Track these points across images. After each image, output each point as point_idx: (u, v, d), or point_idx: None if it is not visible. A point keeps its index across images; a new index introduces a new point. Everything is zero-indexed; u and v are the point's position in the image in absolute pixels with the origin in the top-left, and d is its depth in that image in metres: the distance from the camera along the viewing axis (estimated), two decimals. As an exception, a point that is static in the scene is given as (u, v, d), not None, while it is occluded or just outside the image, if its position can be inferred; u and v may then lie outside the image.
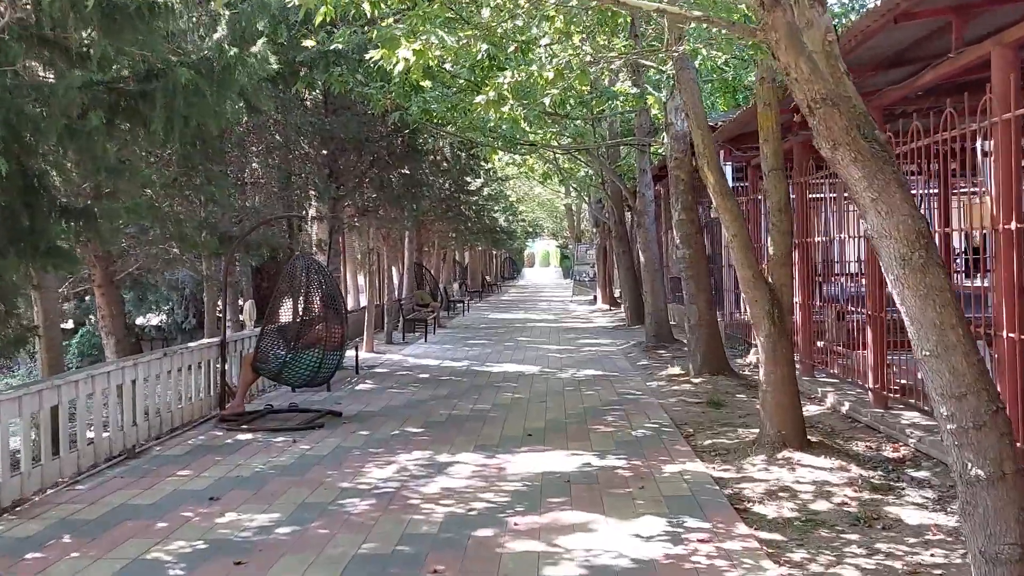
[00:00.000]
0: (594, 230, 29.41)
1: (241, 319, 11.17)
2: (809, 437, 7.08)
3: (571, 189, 30.20)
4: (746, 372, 11.49)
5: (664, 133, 11.31)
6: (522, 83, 6.14)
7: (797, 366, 10.28)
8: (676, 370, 11.67)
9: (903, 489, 5.87)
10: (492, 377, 12.21)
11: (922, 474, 6.19)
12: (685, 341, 15.21)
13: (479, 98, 5.87)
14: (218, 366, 9.20)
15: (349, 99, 12.14)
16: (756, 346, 12.84)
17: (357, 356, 12.93)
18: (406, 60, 6.11)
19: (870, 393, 8.25)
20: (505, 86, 5.73)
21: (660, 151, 16.42)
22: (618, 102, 10.81)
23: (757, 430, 7.86)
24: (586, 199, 28.54)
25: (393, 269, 23.64)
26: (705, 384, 10.51)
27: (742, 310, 13.72)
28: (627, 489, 6.10)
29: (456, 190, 22.34)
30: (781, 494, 5.85)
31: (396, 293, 22.20)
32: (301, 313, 9.01)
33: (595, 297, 30.81)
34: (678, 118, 11.09)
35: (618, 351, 15.16)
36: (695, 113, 7.13)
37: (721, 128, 12.83)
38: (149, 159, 8.86)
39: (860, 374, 8.70)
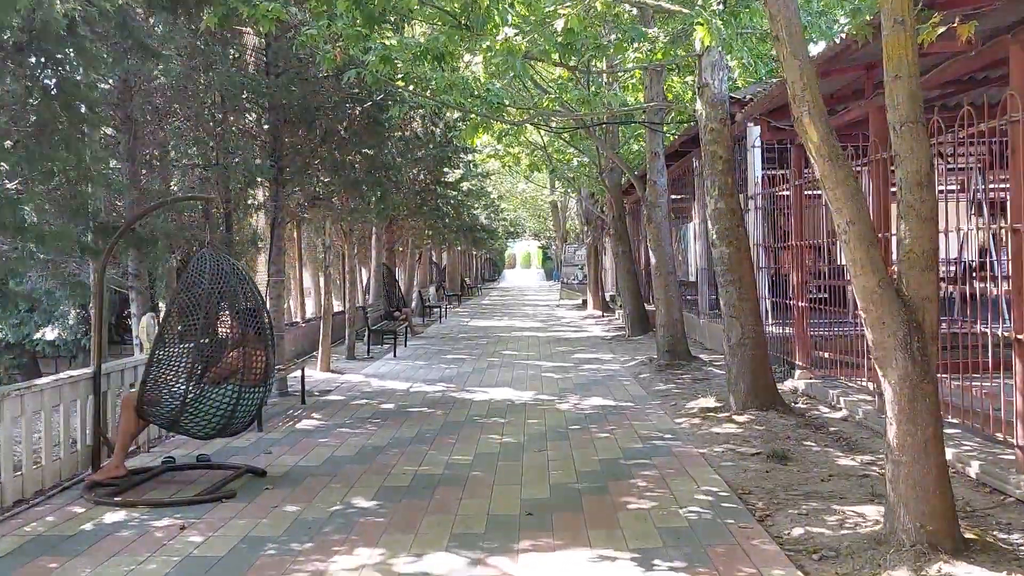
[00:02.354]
0: (584, 228, 26.90)
1: (138, 339, 8.54)
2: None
3: (558, 183, 27.70)
4: (800, 404, 9.00)
5: (696, 98, 8.82)
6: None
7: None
8: (710, 402, 9.16)
9: None
10: (474, 407, 9.66)
11: None
12: (705, 359, 12.76)
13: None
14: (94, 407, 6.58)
15: (292, 56, 9.58)
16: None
17: (304, 380, 10.32)
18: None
19: (1018, 452, 5.76)
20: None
21: (674, 131, 13.93)
22: (643, 49, 8.29)
23: (859, 507, 5.43)
24: (575, 194, 26.04)
25: (363, 270, 21.05)
26: (754, 424, 8.01)
27: (774, 321, 11.23)
28: (709, 651, 3.57)
29: (432, 181, 19.76)
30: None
31: (363, 298, 19.62)
32: (209, 334, 6.41)
33: (585, 302, 28.29)
34: (715, 77, 8.59)
35: (624, 370, 12.63)
36: (791, 33, 4.62)
37: (761, 98, 10.38)
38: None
39: (995, 423, 6.20)
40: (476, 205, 33.31)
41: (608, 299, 26.63)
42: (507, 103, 9.54)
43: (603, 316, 24.28)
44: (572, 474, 6.57)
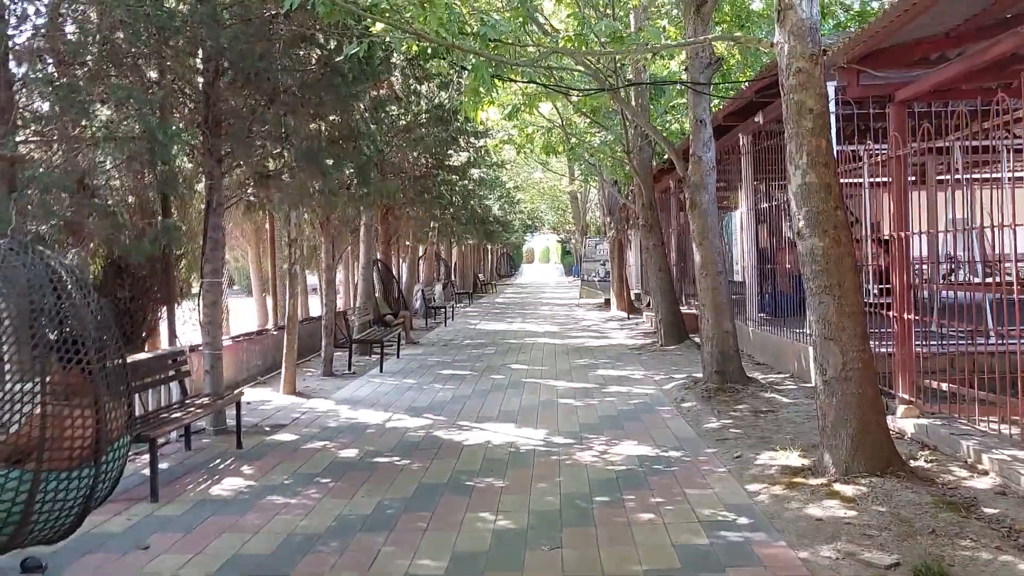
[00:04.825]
0: (607, 220, 24.25)
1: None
2: None
3: (577, 171, 25.06)
4: (921, 463, 6.36)
5: (777, 26, 6.19)
6: None
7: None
8: (792, 456, 6.57)
9: None
10: (463, 457, 7.12)
11: None
12: (761, 380, 10.17)
13: None
14: None
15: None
16: (909, 402, 7.77)
17: (240, 418, 7.80)
18: None
19: None
20: None
21: (721, 91, 11.30)
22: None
23: None
24: (596, 181, 23.38)
25: (356, 267, 18.60)
26: (871, 500, 5.39)
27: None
28: None
29: (434, 165, 17.22)
30: None
31: (350, 300, 17.15)
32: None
33: (607, 301, 25.67)
34: (805, -5, 5.97)
35: (663, 395, 10.03)
36: None
37: (855, 37, 7.81)
38: None
39: None
40: (489, 195, 30.79)
41: (633, 298, 24.01)
42: (510, 41, 6.97)
43: (629, 319, 21.64)
44: (602, 609, 4.01)
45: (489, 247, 53.70)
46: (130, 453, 7.12)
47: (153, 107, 6.85)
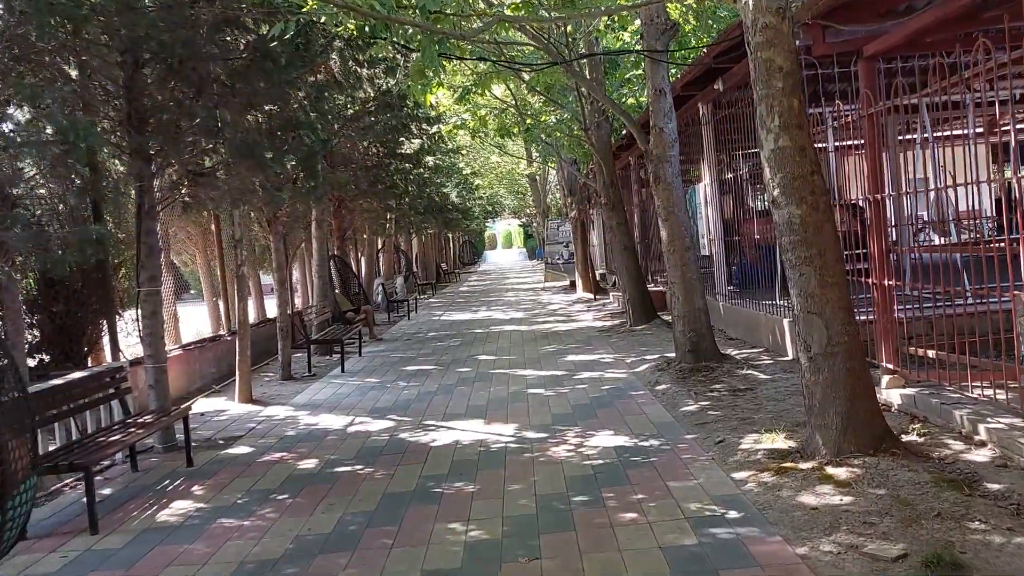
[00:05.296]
0: (568, 200, 23.82)
1: None
2: None
3: (535, 152, 24.57)
4: (914, 437, 6.02)
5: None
6: None
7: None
8: (778, 438, 6.20)
9: None
10: (431, 461, 6.67)
11: None
12: (735, 356, 9.83)
13: None
14: None
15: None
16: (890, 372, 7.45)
17: (188, 434, 7.27)
18: None
19: None
20: None
21: (678, 59, 10.88)
22: None
23: None
24: (555, 161, 22.91)
25: (310, 265, 18.01)
26: (866, 483, 5.02)
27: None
28: None
29: (385, 154, 16.65)
30: None
31: (309, 299, 16.59)
32: None
33: (573, 283, 25.28)
34: (769, -58, 5.55)
35: (635, 378, 9.65)
36: None
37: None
38: None
39: None
40: (446, 183, 30.20)
41: (599, 278, 23.64)
42: (451, 13, 6.49)
43: (595, 300, 21.26)
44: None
45: (450, 235, 53.09)
46: (70, 480, 6.62)
47: (64, 106, 6.26)
